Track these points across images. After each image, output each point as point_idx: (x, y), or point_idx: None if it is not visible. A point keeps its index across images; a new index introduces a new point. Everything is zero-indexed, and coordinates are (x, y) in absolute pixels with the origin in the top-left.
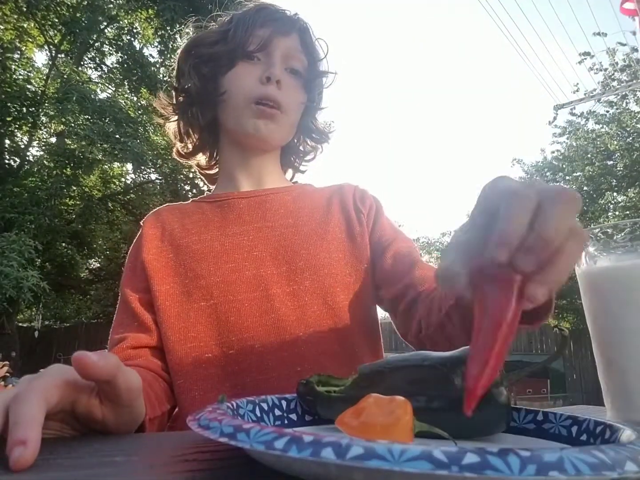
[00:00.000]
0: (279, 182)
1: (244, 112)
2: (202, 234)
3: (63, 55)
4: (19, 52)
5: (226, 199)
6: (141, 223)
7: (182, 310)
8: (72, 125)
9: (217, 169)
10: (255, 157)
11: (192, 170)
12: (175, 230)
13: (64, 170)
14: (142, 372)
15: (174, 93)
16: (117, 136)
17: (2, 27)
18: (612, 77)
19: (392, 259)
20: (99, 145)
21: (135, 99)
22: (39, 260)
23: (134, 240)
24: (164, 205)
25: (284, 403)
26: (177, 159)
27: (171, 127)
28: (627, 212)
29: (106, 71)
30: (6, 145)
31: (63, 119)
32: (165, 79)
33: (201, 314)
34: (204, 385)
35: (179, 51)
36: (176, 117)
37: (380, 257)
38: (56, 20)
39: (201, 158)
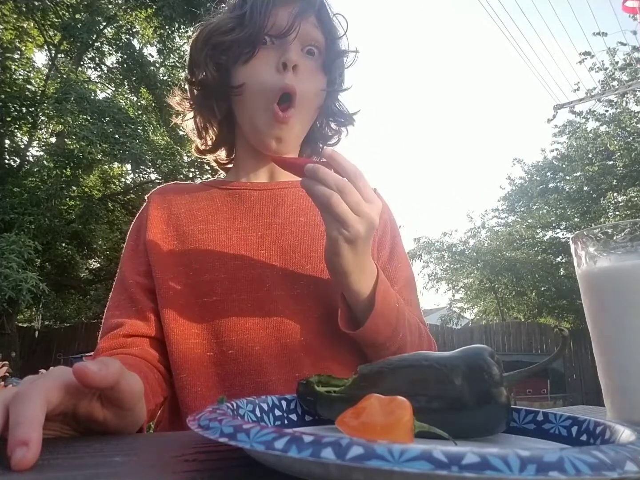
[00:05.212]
0: (292, 176)
1: (259, 114)
2: (209, 223)
3: (63, 56)
4: (18, 52)
5: (237, 188)
6: (146, 197)
7: (187, 303)
8: (71, 126)
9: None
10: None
11: (192, 170)
12: (182, 214)
13: (64, 171)
14: (136, 362)
15: (188, 87)
16: (117, 136)
17: (1, 27)
18: (613, 76)
19: None
20: (98, 145)
21: (135, 98)
22: (39, 260)
23: (137, 215)
24: (171, 183)
25: (284, 403)
26: (197, 155)
27: (189, 123)
28: (628, 212)
29: (106, 71)
30: (6, 146)
31: (62, 120)
32: (165, 78)
33: (204, 310)
34: (206, 383)
35: (191, 41)
36: (192, 113)
37: None
38: (56, 21)
39: (221, 153)
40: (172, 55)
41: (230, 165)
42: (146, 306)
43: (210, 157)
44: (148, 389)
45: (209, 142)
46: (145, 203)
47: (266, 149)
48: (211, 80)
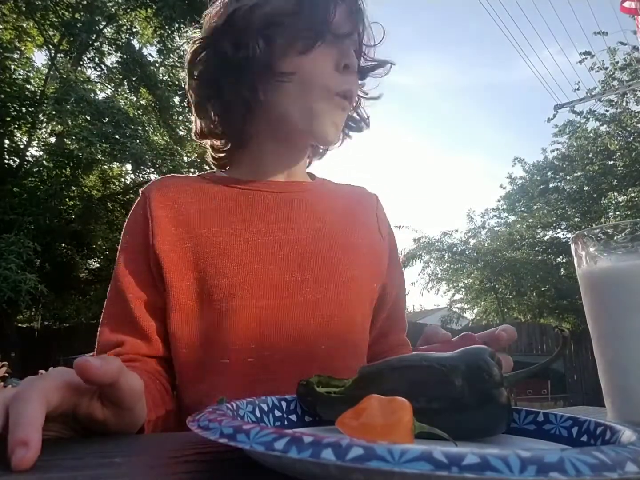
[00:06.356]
0: (303, 175)
1: (321, 106)
2: (224, 225)
3: (62, 55)
4: (18, 52)
5: (250, 189)
6: (140, 192)
7: (203, 310)
8: (70, 127)
9: (225, 152)
10: (293, 148)
11: (191, 170)
12: (192, 215)
13: (64, 171)
14: (138, 373)
15: (207, 57)
16: (117, 137)
17: (1, 27)
18: (613, 76)
19: (386, 316)
20: (97, 146)
21: (134, 98)
22: (38, 260)
23: (132, 214)
24: (168, 176)
25: (283, 404)
26: (195, 139)
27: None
28: (628, 212)
29: (105, 71)
30: (5, 145)
31: (60, 121)
32: (165, 78)
33: (222, 316)
34: (223, 392)
35: (230, 6)
36: (206, 91)
37: (380, 306)
38: (55, 20)
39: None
40: (171, 55)
41: (221, 155)
42: (148, 325)
43: (207, 142)
44: (149, 398)
45: (218, 127)
46: (139, 199)
47: (325, 135)
48: (251, 57)
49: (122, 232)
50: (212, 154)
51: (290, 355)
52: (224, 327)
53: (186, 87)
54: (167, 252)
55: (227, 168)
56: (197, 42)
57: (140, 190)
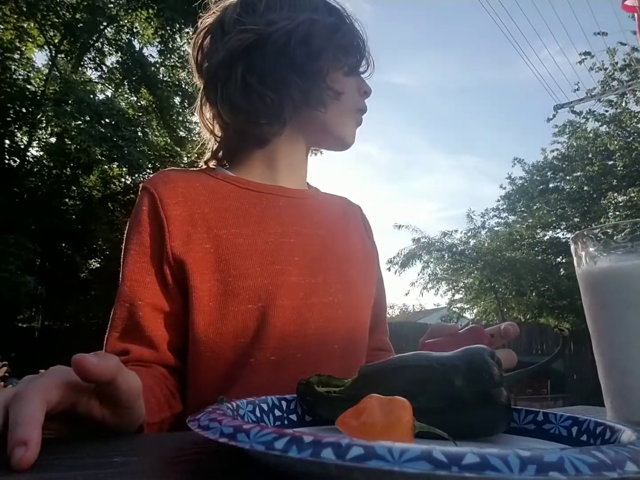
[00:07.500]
0: (305, 184)
1: (350, 120)
2: (242, 226)
3: (63, 56)
4: (19, 52)
5: (264, 192)
6: (148, 189)
7: (229, 312)
8: (69, 129)
9: (234, 151)
10: (305, 154)
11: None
12: (208, 214)
13: (64, 171)
14: (143, 377)
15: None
16: (115, 139)
17: (2, 27)
18: (612, 76)
19: (372, 315)
20: (96, 149)
21: (134, 99)
22: (39, 261)
23: (139, 213)
24: (170, 169)
25: (284, 403)
26: (207, 133)
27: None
28: (628, 212)
29: (106, 71)
30: (6, 146)
31: (59, 122)
32: (165, 79)
33: (248, 316)
34: (242, 392)
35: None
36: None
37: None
38: (56, 21)
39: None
40: (172, 56)
41: (219, 152)
42: (156, 334)
43: (215, 141)
44: (154, 401)
45: (246, 123)
46: (144, 196)
47: (349, 142)
48: (312, 62)
49: (127, 232)
50: (216, 151)
51: (309, 355)
52: (252, 328)
53: (211, 73)
54: (187, 253)
55: (227, 166)
56: (248, 32)
57: (142, 185)
